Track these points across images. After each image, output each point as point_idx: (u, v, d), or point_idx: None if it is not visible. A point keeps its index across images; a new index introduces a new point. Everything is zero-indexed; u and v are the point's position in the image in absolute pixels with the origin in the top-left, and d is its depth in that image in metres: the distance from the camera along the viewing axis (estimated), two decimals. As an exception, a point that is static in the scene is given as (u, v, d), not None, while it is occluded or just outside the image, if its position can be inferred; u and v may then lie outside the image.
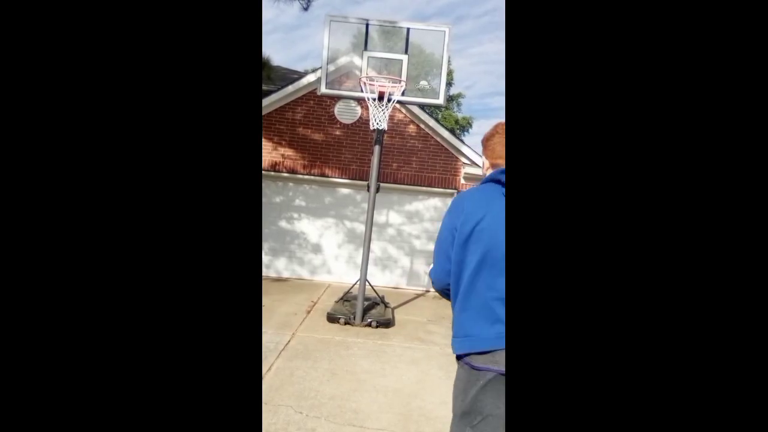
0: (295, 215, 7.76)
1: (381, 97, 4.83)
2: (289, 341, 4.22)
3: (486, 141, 1.58)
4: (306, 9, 7.23)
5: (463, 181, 7.58)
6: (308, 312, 5.43)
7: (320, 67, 5.33)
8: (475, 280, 1.33)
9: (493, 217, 1.31)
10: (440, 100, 5.26)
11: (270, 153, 7.52)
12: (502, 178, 1.36)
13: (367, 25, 5.00)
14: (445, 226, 1.44)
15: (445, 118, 21.44)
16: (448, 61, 5.17)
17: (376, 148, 5.06)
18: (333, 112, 7.55)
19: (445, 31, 5.05)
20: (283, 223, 7.72)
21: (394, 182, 7.53)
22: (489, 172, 1.53)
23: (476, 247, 1.32)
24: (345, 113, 7.55)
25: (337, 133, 7.60)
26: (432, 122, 7.58)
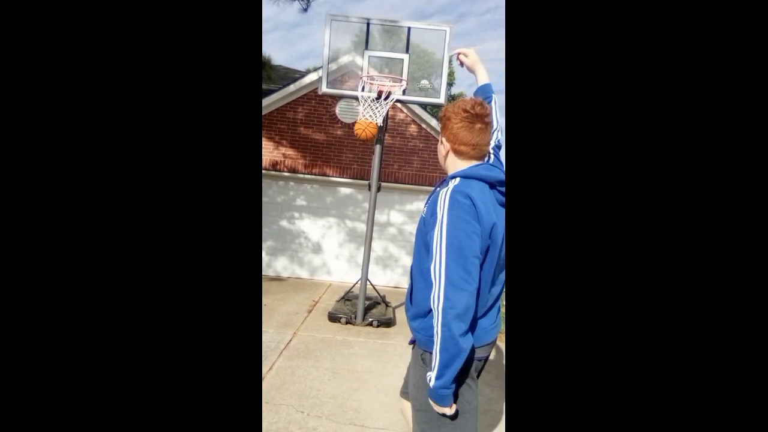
0: (296, 215, 7.76)
1: (379, 96, 4.82)
2: (290, 340, 4.23)
3: (447, 121, 1.44)
4: (305, 10, 7.21)
5: (464, 181, 7.56)
6: (309, 311, 5.43)
7: (321, 66, 5.33)
8: (486, 280, 1.32)
9: (501, 224, 1.30)
10: (441, 100, 5.25)
11: (271, 152, 7.52)
12: (489, 175, 1.35)
13: (368, 24, 4.99)
14: (466, 231, 1.19)
15: (446, 117, 21.28)
16: (450, 60, 5.16)
17: (377, 148, 5.06)
18: (334, 111, 7.54)
19: (446, 30, 5.04)
20: (284, 223, 7.72)
21: (396, 182, 7.53)
22: (450, 155, 1.48)
23: (492, 252, 1.29)
24: (346, 113, 7.54)
25: (339, 132, 7.59)
26: (434, 122, 7.57)
